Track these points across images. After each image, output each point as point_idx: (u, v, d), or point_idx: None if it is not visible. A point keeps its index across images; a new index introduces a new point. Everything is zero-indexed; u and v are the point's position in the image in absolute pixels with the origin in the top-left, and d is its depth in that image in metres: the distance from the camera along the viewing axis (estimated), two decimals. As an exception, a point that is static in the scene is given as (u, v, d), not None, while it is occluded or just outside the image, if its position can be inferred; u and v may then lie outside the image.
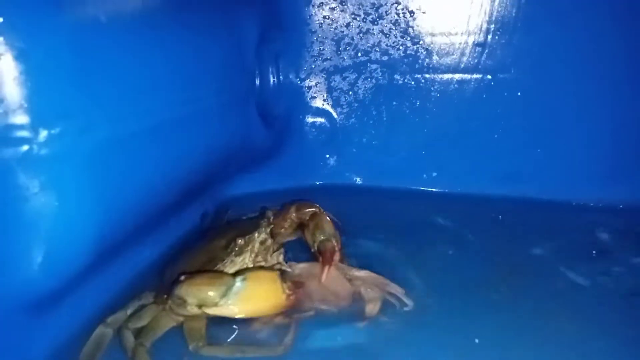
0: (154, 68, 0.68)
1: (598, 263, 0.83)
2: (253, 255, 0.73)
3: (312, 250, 0.77)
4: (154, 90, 0.69)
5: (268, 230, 0.76)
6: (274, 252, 0.76)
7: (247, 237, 0.72)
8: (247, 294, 0.61)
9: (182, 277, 0.62)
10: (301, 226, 0.83)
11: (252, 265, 0.72)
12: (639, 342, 0.63)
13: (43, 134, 0.51)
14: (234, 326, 0.66)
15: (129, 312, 0.66)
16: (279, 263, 0.75)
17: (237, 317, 0.62)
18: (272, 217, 0.80)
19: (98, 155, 0.58)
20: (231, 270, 0.69)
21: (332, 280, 0.71)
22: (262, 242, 0.74)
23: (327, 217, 0.81)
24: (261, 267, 0.72)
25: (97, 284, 0.68)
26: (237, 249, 0.71)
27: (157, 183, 0.74)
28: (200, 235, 0.87)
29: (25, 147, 0.50)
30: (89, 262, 0.61)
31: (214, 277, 0.63)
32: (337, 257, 0.74)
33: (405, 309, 0.70)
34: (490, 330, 0.65)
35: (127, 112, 0.63)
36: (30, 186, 0.51)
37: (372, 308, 0.69)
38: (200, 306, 0.60)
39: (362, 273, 0.74)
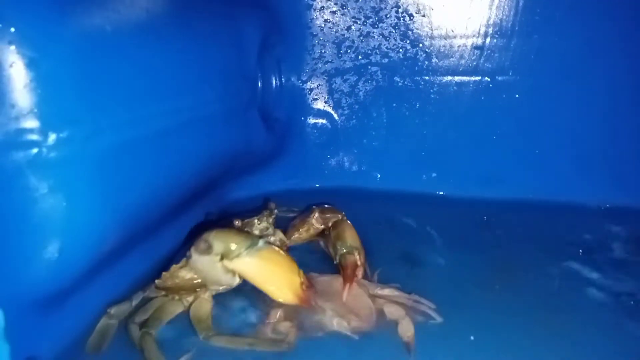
0: (158, 75, 0.70)
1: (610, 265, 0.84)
2: None
3: (335, 262, 0.74)
4: (158, 96, 0.71)
5: (270, 220, 0.76)
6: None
7: (246, 220, 0.73)
8: (268, 257, 0.64)
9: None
10: (322, 233, 0.80)
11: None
12: (630, 338, 0.65)
13: (52, 138, 0.53)
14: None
15: (133, 303, 0.68)
16: None
17: (251, 280, 0.64)
18: (275, 209, 0.80)
19: (105, 158, 0.60)
20: None
21: (353, 299, 0.67)
22: (263, 231, 0.75)
23: (351, 227, 0.77)
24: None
25: (104, 283, 0.70)
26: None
27: (161, 186, 0.76)
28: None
29: (35, 150, 0.52)
30: (96, 261, 0.63)
31: (242, 233, 0.66)
32: (360, 272, 0.70)
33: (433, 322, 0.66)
34: (486, 327, 0.66)
35: (132, 117, 0.65)
36: (40, 188, 0.53)
37: (406, 329, 0.64)
38: (222, 257, 0.62)
39: (387, 291, 0.70)
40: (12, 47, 0.49)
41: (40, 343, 0.61)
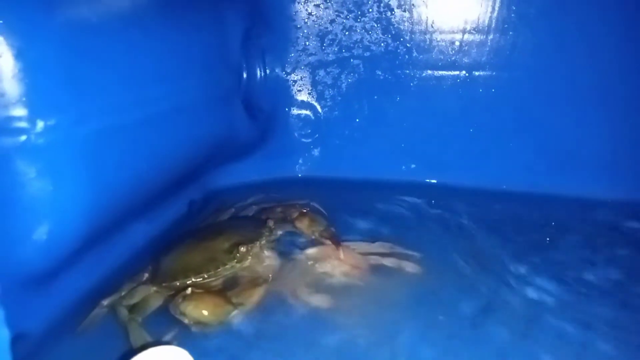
0: (141, 64, 0.73)
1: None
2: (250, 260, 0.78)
3: (312, 237, 0.87)
4: (141, 84, 0.74)
5: (271, 239, 0.83)
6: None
7: (249, 245, 0.77)
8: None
9: (189, 291, 0.67)
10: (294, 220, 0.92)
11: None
12: (612, 325, 0.69)
13: (40, 125, 0.56)
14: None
15: (123, 293, 0.72)
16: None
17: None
18: (273, 227, 0.86)
19: (90, 144, 0.63)
20: (228, 272, 0.75)
21: (348, 256, 0.81)
22: (261, 248, 0.80)
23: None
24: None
25: (90, 263, 0.73)
26: (238, 255, 0.75)
27: (146, 171, 0.79)
28: (199, 228, 0.91)
29: (24, 137, 0.55)
30: (82, 242, 0.66)
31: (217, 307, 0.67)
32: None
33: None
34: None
35: (117, 105, 0.68)
36: (28, 172, 0.56)
37: (412, 267, 0.81)
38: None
39: (373, 246, 0.86)
40: (1, 39, 0.52)
41: (30, 321, 0.64)
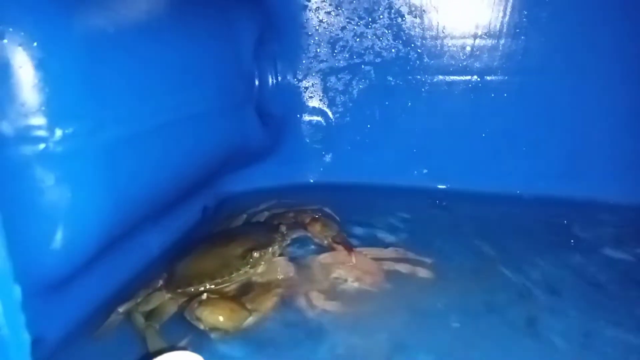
0: (158, 73, 0.74)
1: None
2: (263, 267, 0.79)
3: (325, 242, 0.88)
4: (157, 93, 0.75)
5: (283, 245, 0.84)
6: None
7: (262, 251, 0.78)
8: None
9: (204, 297, 0.68)
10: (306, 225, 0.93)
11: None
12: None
13: (58, 133, 0.57)
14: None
15: (138, 300, 0.73)
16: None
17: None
18: (286, 233, 0.87)
19: (107, 152, 0.64)
20: (241, 278, 0.76)
21: (361, 262, 0.81)
22: (274, 254, 0.81)
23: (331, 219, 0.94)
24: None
25: (106, 270, 0.74)
26: (251, 260, 0.76)
27: (160, 179, 0.80)
28: (212, 234, 0.92)
29: (42, 145, 0.56)
30: (99, 249, 0.67)
31: (233, 312, 0.67)
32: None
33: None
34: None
35: (133, 114, 0.69)
36: (47, 180, 0.57)
37: (425, 272, 0.81)
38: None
39: (385, 252, 0.86)
40: (22, 49, 0.53)
41: (47, 326, 0.65)
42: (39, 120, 0.56)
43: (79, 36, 0.60)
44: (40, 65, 0.55)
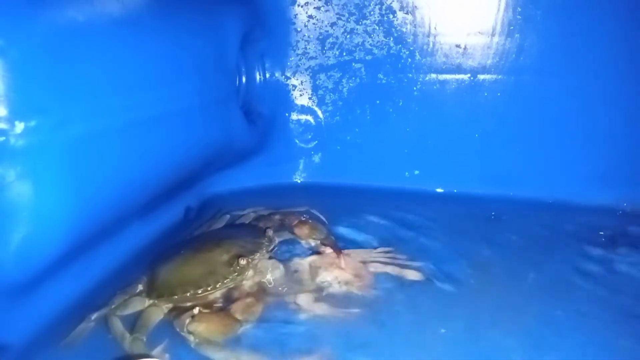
0: (132, 66, 0.71)
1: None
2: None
3: (313, 244, 0.86)
4: (132, 88, 0.71)
5: (270, 249, 0.80)
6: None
7: (249, 257, 0.74)
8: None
9: (196, 311, 0.64)
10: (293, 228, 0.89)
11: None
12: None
13: (19, 126, 0.53)
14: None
15: (113, 307, 0.68)
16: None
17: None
18: (272, 237, 0.83)
19: (75, 148, 0.60)
20: (230, 285, 0.72)
21: (350, 265, 0.80)
22: (261, 260, 0.77)
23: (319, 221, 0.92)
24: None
25: (75, 273, 0.70)
26: (238, 268, 0.72)
27: (138, 177, 0.76)
28: (194, 237, 0.88)
29: (2, 139, 0.53)
30: (66, 250, 0.63)
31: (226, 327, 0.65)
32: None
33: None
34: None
35: (102, 108, 0.65)
36: (6, 176, 0.53)
37: (414, 274, 0.80)
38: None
39: (374, 254, 0.85)
40: (-20, 36, 0.50)
41: (10, 331, 0.61)
42: (-3, 111, 0.52)
43: (45, 24, 0.56)
44: (1, 53, 0.51)
